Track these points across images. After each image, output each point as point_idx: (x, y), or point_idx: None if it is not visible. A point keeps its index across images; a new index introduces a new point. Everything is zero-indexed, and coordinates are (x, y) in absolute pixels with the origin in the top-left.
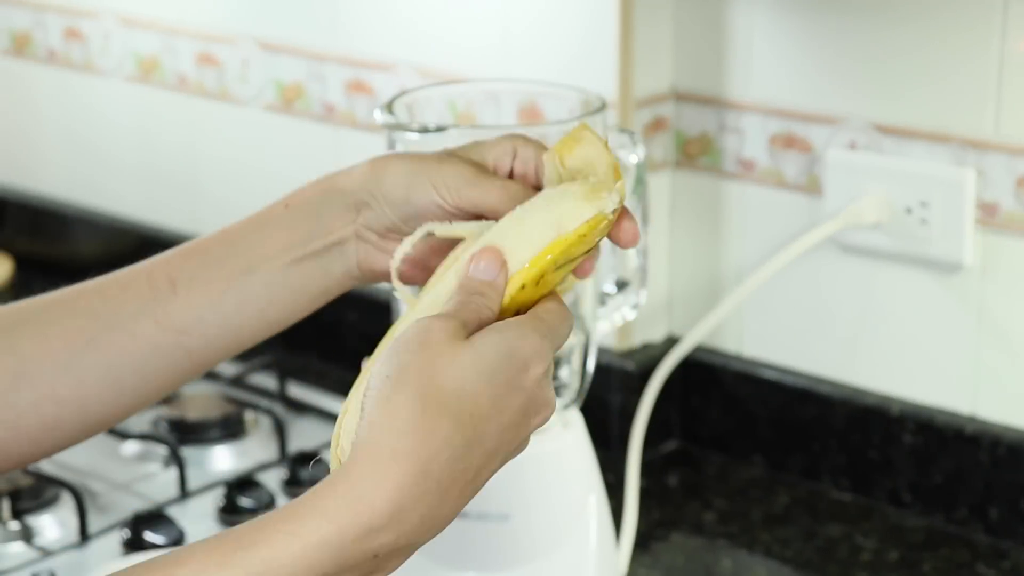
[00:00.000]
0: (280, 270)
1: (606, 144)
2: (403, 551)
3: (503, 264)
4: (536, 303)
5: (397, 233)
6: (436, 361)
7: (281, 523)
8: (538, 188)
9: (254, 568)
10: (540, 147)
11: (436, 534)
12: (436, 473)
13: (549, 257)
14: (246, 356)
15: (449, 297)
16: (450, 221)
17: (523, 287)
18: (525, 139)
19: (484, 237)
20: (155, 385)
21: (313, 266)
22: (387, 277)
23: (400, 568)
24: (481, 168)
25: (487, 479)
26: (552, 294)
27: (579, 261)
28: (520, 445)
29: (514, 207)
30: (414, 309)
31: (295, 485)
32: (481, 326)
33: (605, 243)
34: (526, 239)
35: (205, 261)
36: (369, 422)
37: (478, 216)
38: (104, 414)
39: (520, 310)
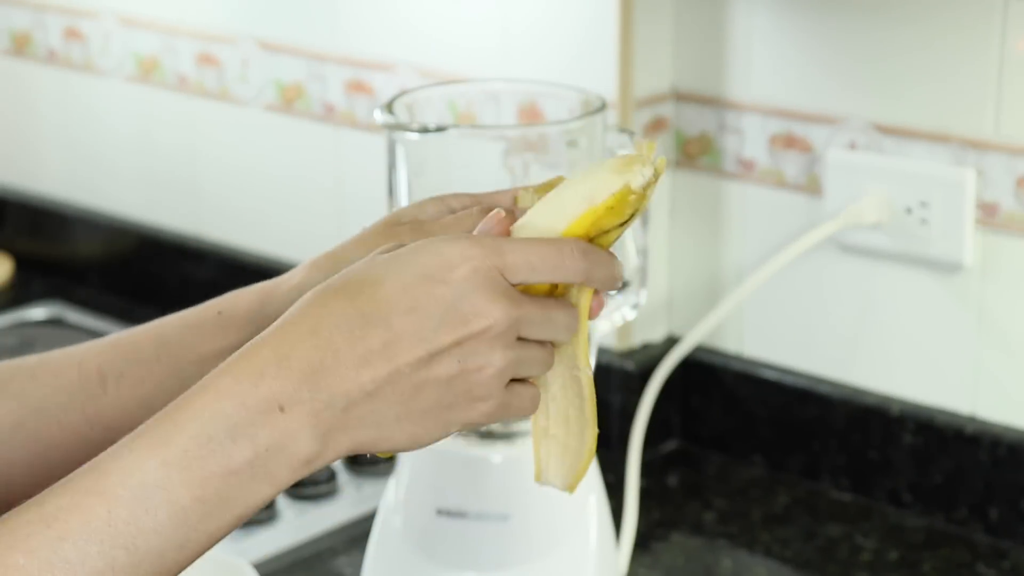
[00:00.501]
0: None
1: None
2: (318, 412)
3: (504, 224)
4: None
5: None
6: (362, 259)
7: (192, 390)
8: None
9: (163, 427)
10: (471, 196)
11: (354, 404)
12: (324, 333)
13: (580, 230)
14: None
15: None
16: None
17: None
18: (454, 195)
19: (526, 214)
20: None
21: None
22: None
23: (399, 568)
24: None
25: (428, 385)
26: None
27: (616, 236)
28: (463, 356)
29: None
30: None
31: (295, 484)
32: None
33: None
34: (560, 212)
35: (136, 358)
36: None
37: None
38: (29, 493)
39: (553, 290)
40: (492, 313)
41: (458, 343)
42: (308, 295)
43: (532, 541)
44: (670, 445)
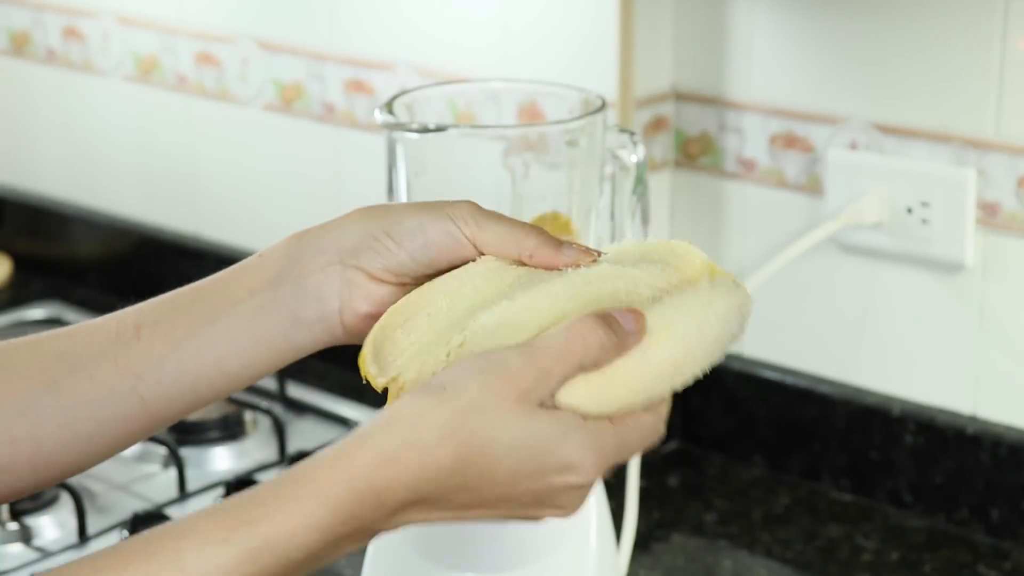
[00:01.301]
0: (245, 317)
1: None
2: (374, 535)
3: (645, 326)
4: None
5: (394, 273)
6: (491, 408)
7: (282, 499)
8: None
9: (254, 542)
10: (482, 226)
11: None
12: (422, 492)
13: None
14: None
15: (577, 316)
16: (459, 260)
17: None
18: (464, 218)
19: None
20: (110, 434)
21: (282, 313)
22: (370, 326)
23: (399, 568)
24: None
25: (479, 516)
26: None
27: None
28: (525, 519)
29: (527, 240)
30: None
31: None
32: (582, 365)
33: (606, 240)
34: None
35: (173, 307)
36: (393, 412)
37: (481, 254)
38: (58, 460)
39: None
40: (571, 510)
41: (523, 517)
42: (424, 417)
43: (532, 541)
44: (670, 445)
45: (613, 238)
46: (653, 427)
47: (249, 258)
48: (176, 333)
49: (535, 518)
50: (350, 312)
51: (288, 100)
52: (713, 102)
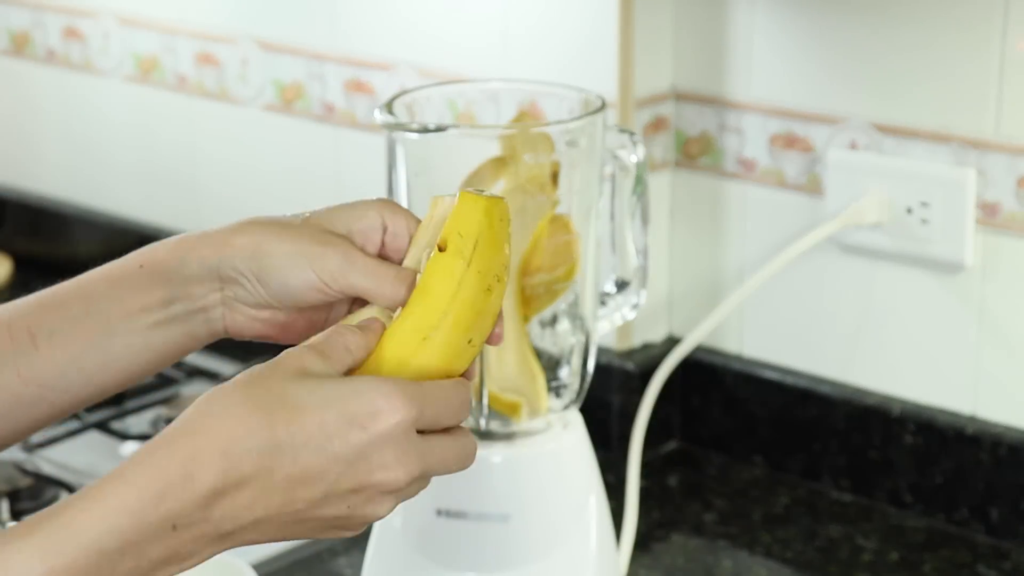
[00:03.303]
0: (140, 332)
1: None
2: (207, 534)
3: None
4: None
5: (267, 307)
6: (280, 373)
7: (87, 491)
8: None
9: (56, 532)
10: (410, 217)
11: (248, 538)
12: (235, 456)
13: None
14: (245, 355)
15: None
16: (329, 303)
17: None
18: (393, 208)
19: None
20: (15, 431)
21: (176, 329)
22: (256, 338)
23: (399, 569)
24: (354, 249)
25: (313, 520)
26: (459, 379)
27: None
28: (358, 496)
29: (396, 292)
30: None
31: None
32: (348, 349)
33: (606, 240)
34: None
35: (64, 316)
36: (199, 399)
37: (355, 299)
38: None
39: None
40: (397, 472)
41: (355, 491)
42: (227, 394)
43: (532, 541)
44: (670, 445)
45: (613, 238)
46: (456, 389)
47: (127, 263)
48: (75, 345)
49: (375, 495)
50: (234, 331)
51: (288, 100)
52: (713, 102)
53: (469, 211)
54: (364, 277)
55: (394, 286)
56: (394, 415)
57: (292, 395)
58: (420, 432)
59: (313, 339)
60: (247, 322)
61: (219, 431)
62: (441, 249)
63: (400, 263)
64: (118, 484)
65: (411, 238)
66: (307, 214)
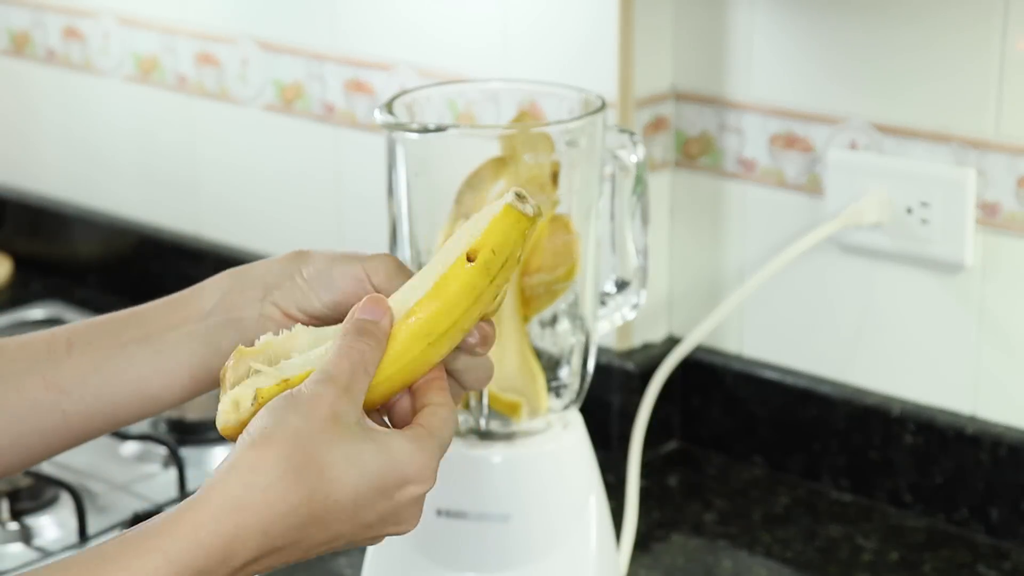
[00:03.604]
0: (173, 343)
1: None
2: None
3: (387, 307)
4: (428, 373)
5: (305, 312)
6: (317, 431)
7: (124, 556)
8: None
9: None
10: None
11: (264, 570)
12: (273, 535)
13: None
14: None
15: (336, 337)
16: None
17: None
18: (370, 267)
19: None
20: (29, 447)
21: (205, 341)
22: None
23: (399, 569)
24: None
25: (321, 553)
26: (443, 400)
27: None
28: (368, 542)
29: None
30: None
31: None
32: (367, 371)
33: (606, 240)
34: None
35: (107, 328)
36: (229, 465)
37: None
38: None
39: (413, 364)
40: (410, 525)
41: (366, 539)
42: (267, 464)
43: (532, 541)
44: (670, 445)
45: (613, 238)
46: (449, 411)
47: (191, 288)
48: (105, 351)
49: (377, 538)
50: None
51: (288, 100)
52: (713, 102)
53: (510, 229)
54: (405, 278)
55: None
56: (421, 487)
57: (330, 465)
58: None
59: (334, 366)
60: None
61: (262, 510)
62: (470, 259)
63: None
64: (158, 557)
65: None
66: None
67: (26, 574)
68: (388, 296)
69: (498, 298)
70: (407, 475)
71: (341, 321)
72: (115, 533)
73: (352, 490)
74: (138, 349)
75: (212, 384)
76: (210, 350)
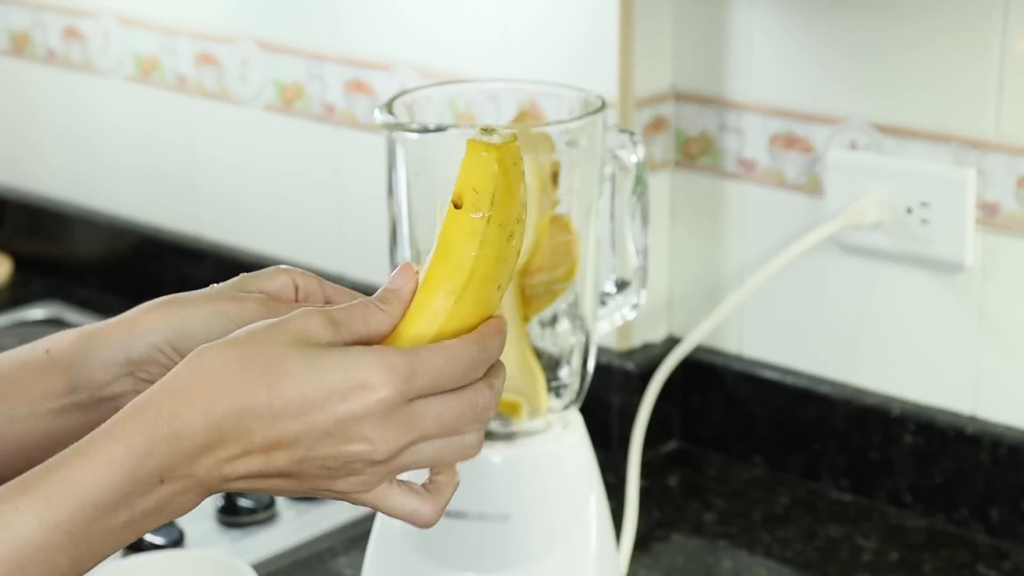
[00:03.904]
0: (43, 417)
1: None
2: (193, 487)
3: (414, 277)
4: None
5: None
6: (279, 337)
7: (80, 448)
8: None
9: (52, 488)
10: (321, 280)
11: (232, 487)
12: (215, 417)
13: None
14: None
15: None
16: None
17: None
18: (302, 272)
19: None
20: None
21: (80, 417)
22: None
23: (399, 569)
24: (272, 299)
25: (293, 478)
26: (465, 338)
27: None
28: (334, 468)
29: None
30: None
31: None
32: (366, 321)
33: (606, 240)
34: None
35: None
36: (187, 358)
37: None
38: None
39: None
40: (376, 444)
41: (333, 457)
42: (218, 352)
43: (532, 541)
44: (670, 445)
45: (613, 238)
46: (458, 351)
47: (35, 349)
48: None
49: (352, 463)
50: None
51: (288, 100)
52: (713, 102)
53: (481, 164)
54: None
55: None
56: (378, 390)
57: (280, 360)
58: (417, 399)
59: (333, 307)
60: None
61: (202, 390)
62: (457, 206)
63: None
64: (108, 441)
65: (326, 303)
66: (215, 286)
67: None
68: None
69: (514, 242)
70: (361, 380)
71: None
72: None
73: (298, 384)
74: (11, 428)
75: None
76: (85, 424)
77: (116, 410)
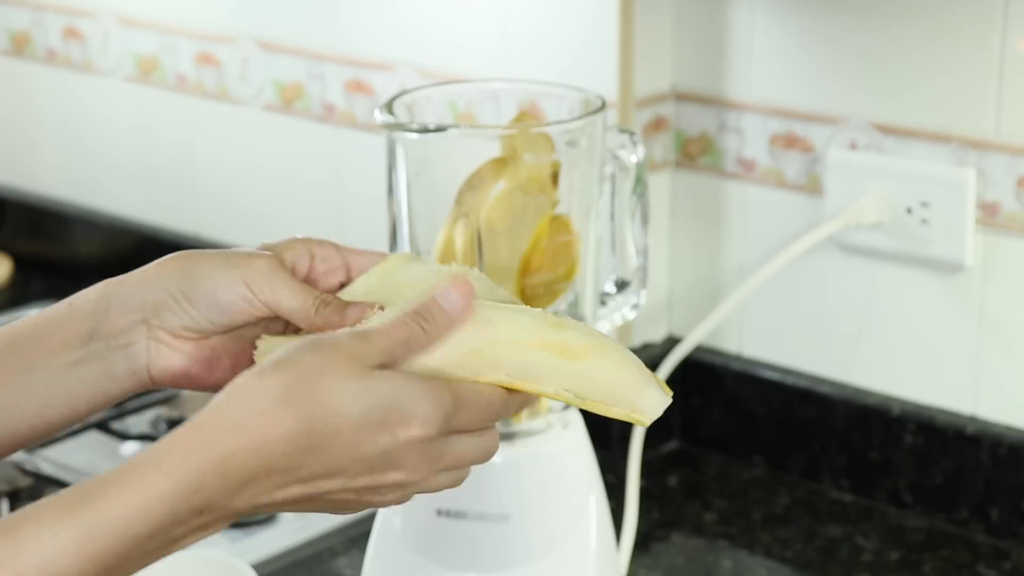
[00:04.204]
0: (59, 371)
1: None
2: (227, 516)
3: (470, 299)
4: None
5: (195, 331)
6: (326, 368)
7: (122, 476)
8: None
9: (92, 520)
10: (340, 247)
11: (260, 513)
12: (267, 455)
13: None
14: None
15: (398, 309)
16: (256, 318)
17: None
18: (320, 240)
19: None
20: None
21: (94, 368)
22: (178, 380)
23: (399, 569)
24: (283, 265)
25: (322, 501)
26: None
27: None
28: (366, 495)
29: (313, 315)
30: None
31: None
32: (408, 353)
33: (606, 240)
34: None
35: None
36: (231, 389)
37: (278, 316)
38: None
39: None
40: (409, 474)
41: (368, 486)
42: (267, 388)
43: (532, 541)
44: (670, 445)
45: (613, 238)
46: (490, 398)
47: (58, 305)
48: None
49: (382, 489)
50: (157, 368)
51: (288, 100)
52: (713, 102)
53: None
54: (288, 289)
55: (315, 305)
56: (424, 427)
57: (333, 396)
58: (451, 434)
59: (375, 330)
60: (171, 356)
61: (257, 430)
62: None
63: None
64: (155, 475)
65: (346, 268)
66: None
67: (35, 504)
68: (273, 306)
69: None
70: (410, 413)
71: (232, 331)
72: None
73: (353, 421)
74: (25, 379)
75: (110, 403)
76: (100, 376)
77: (128, 360)
